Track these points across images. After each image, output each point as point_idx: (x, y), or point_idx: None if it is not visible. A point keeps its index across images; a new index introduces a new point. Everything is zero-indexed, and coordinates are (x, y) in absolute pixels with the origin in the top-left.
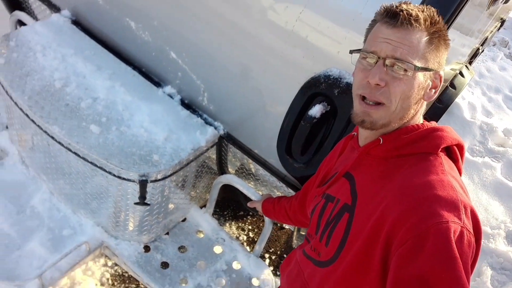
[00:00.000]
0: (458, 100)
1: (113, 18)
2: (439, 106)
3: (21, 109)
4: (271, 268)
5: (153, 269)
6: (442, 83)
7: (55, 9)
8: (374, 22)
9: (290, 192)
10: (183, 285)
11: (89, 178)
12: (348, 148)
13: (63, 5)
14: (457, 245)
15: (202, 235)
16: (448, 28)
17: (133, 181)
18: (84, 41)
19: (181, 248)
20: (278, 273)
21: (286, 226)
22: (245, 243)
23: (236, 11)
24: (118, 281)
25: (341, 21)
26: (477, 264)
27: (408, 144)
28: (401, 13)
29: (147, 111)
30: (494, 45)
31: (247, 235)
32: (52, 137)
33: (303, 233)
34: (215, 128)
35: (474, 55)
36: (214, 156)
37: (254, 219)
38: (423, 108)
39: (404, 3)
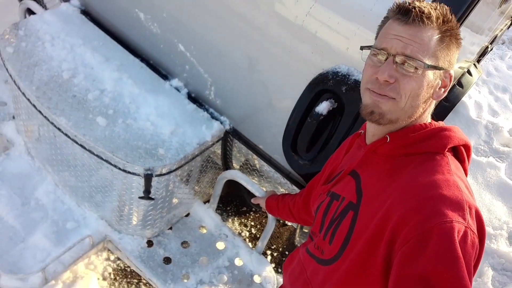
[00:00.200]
0: (464, 98)
1: (122, 8)
2: (446, 105)
3: (28, 99)
4: (273, 265)
5: (156, 264)
6: (452, 82)
7: None
8: (386, 19)
9: (294, 189)
10: (185, 281)
11: (94, 171)
12: (355, 146)
13: None
14: (461, 245)
15: (205, 231)
16: (459, 26)
17: (138, 175)
18: (93, 31)
19: (184, 244)
20: (280, 270)
21: (289, 223)
22: (247, 239)
23: (246, 4)
24: (120, 276)
25: (351, 17)
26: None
27: (415, 143)
28: (413, 10)
29: (154, 104)
30: (503, 43)
31: (250, 231)
32: (59, 129)
33: (306, 231)
34: (221, 122)
35: (483, 54)
36: (219, 151)
37: (257, 215)
38: (431, 107)
39: (417, 0)
